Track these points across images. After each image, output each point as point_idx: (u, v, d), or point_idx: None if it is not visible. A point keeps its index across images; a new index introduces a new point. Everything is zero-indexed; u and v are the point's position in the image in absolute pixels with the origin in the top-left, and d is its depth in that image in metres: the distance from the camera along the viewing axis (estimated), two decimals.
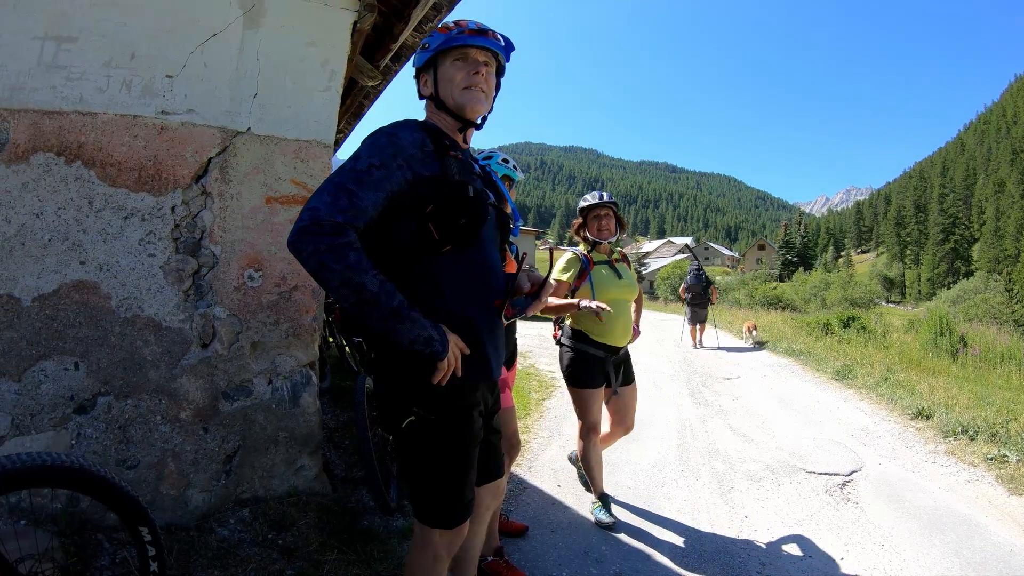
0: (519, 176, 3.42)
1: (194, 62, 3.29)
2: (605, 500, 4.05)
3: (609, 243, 3.98)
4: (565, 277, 3.84)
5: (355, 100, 6.57)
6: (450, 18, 4.47)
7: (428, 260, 1.81)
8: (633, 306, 4.12)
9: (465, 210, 1.81)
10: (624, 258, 4.15)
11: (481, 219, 1.87)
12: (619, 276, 3.97)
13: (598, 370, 3.91)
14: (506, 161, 3.33)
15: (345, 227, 1.59)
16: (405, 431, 1.82)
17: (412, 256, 1.79)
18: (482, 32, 1.95)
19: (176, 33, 3.27)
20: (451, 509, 1.90)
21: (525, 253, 2.66)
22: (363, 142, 1.78)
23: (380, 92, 6.30)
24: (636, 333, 4.18)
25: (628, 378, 4.14)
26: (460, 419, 1.88)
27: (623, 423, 4.18)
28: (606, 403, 4.06)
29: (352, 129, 7.84)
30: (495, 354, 1.97)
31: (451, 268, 1.85)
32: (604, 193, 4.02)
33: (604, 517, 3.93)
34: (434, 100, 1.99)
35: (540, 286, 2.10)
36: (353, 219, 1.61)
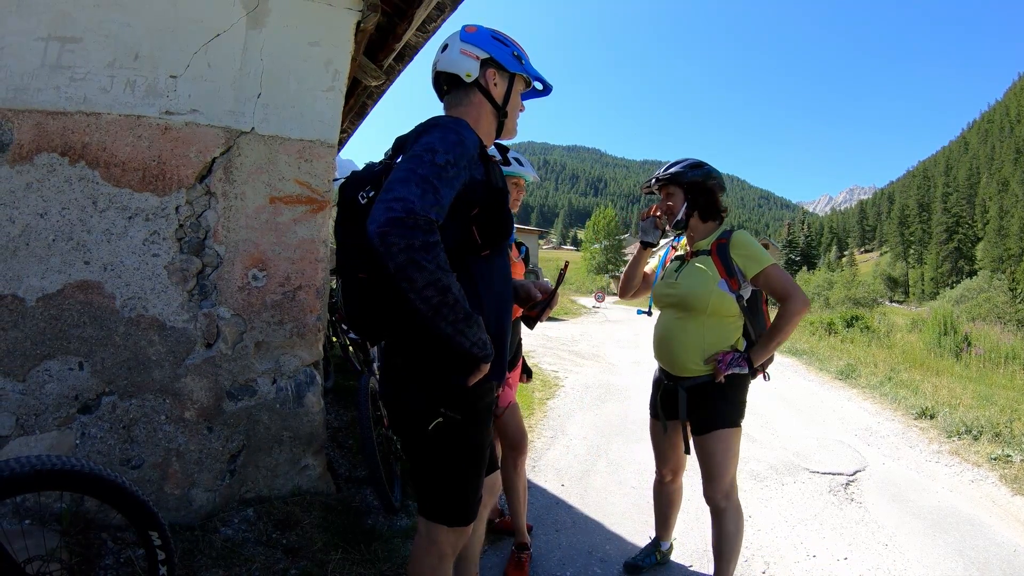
0: (532, 177, 3.33)
1: (198, 62, 3.29)
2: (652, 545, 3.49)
3: (674, 229, 3.04)
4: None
5: (359, 100, 6.57)
6: (454, 17, 4.47)
7: (467, 262, 1.80)
8: (699, 320, 2.82)
9: (505, 216, 1.84)
10: (717, 250, 2.83)
11: (512, 225, 1.92)
12: (672, 277, 2.97)
13: (653, 394, 3.17)
14: (518, 161, 3.23)
15: (435, 224, 1.53)
16: (431, 433, 1.80)
17: (453, 258, 1.72)
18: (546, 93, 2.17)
19: (179, 33, 3.27)
20: (468, 506, 1.92)
21: (567, 261, 2.69)
22: (431, 134, 1.70)
23: (384, 92, 6.29)
24: (717, 367, 2.74)
25: (698, 425, 2.86)
26: (482, 418, 1.90)
27: (703, 478, 2.93)
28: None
29: (356, 128, 7.84)
30: (506, 355, 1.99)
31: (484, 271, 1.85)
32: (673, 162, 3.04)
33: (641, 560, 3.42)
34: (498, 107, 1.98)
35: (551, 295, 2.18)
36: (439, 216, 1.55)
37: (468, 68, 1.92)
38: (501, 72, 1.96)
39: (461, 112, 1.94)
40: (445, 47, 1.97)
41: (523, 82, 2.05)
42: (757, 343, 2.79)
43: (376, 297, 1.76)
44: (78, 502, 2.86)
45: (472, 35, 1.94)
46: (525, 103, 2.15)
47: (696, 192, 2.91)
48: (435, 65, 2.01)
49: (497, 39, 1.96)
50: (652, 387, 3.18)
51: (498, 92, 1.97)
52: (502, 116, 2.00)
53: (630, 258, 3.21)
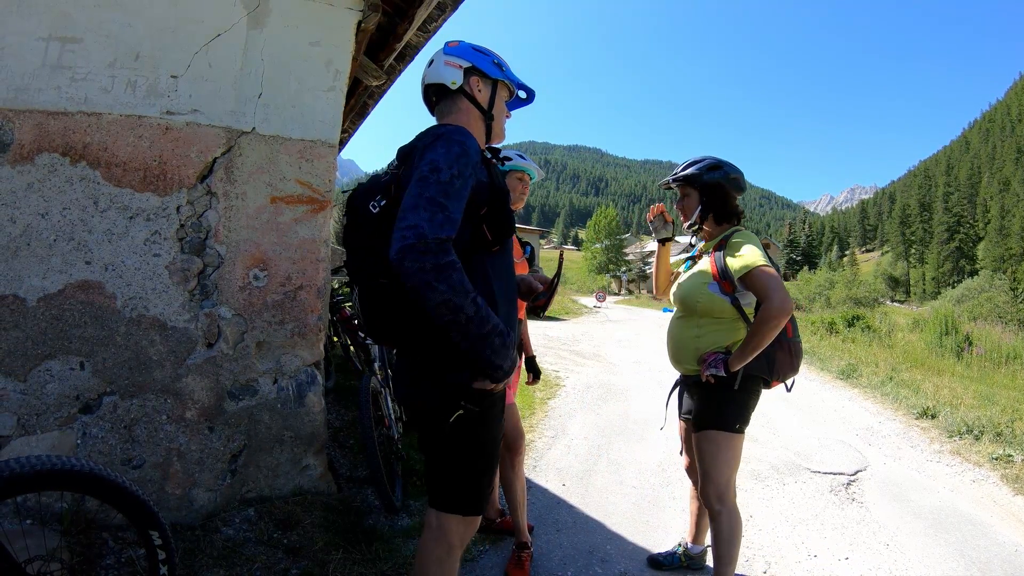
0: (538, 173, 3.44)
1: (198, 62, 3.29)
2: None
3: (689, 230, 3.05)
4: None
5: (359, 100, 6.57)
6: (455, 16, 4.47)
7: (478, 259, 1.90)
8: (695, 320, 2.86)
9: (508, 213, 1.97)
10: (716, 251, 2.83)
11: (514, 221, 2.09)
12: (681, 276, 3.03)
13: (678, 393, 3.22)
14: (521, 157, 3.34)
15: (446, 243, 1.64)
16: (450, 426, 1.90)
17: (468, 257, 1.86)
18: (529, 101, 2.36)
19: (180, 33, 3.27)
20: (481, 495, 2.03)
21: (563, 250, 2.75)
22: (435, 149, 1.80)
23: (384, 92, 6.29)
24: (703, 368, 2.75)
25: (694, 422, 2.90)
26: (496, 410, 2.02)
27: (700, 477, 2.92)
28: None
29: (357, 128, 7.84)
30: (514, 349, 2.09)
31: (495, 266, 1.96)
32: (692, 161, 3.00)
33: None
34: (484, 112, 2.12)
35: (551, 284, 2.34)
36: (449, 232, 1.67)
37: (453, 77, 2.06)
38: (484, 79, 2.11)
39: (452, 120, 2.06)
40: (431, 63, 2.12)
41: (506, 89, 2.19)
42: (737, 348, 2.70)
43: (396, 300, 1.83)
44: (79, 502, 2.86)
45: (454, 48, 2.11)
46: (512, 112, 2.31)
47: (711, 195, 2.90)
48: (423, 80, 2.15)
49: (478, 50, 2.12)
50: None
51: (483, 97, 2.11)
52: (489, 119, 2.14)
53: (631, 257, 3.25)
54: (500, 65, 2.14)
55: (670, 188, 3.08)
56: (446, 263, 1.62)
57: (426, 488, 2.08)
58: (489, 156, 2.13)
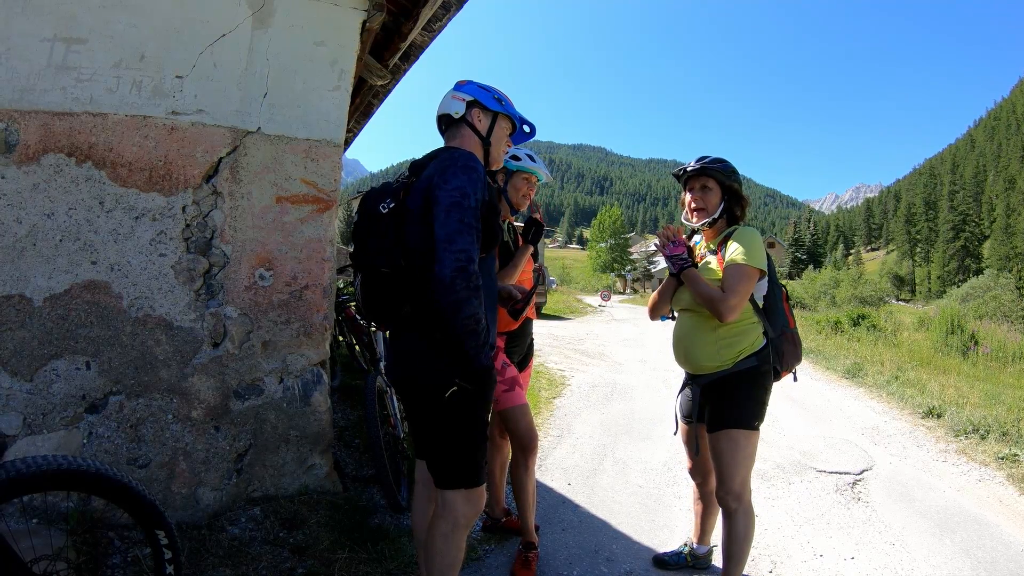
0: (545, 176, 3.40)
1: (203, 62, 3.30)
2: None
3: (702, 226, 2.96)
4: None
5: (364, 99, 6.57)
6: (459, 16, 4.47)
7: None
8: (711, 320, 2.77)
9: (498, 227, 2.31)
10: (720, 249, 2.84)
11: (500, 233, 2.41)
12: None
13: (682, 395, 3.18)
14: (531, 158, 3.32)
15: (476, 264, 2.01)
16: (446, 402, 2.12)
17: None
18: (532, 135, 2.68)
19: (185, 34, 3.28)
20: (479, 468, 2.25)
21: (540, 264, 2.90)
22: (459, 177, 2.10)
23: (389, 91, 6.29)
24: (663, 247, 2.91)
25: (710, 422, 2.85)
26: (487, 388, 2.24)
27: (715, 477, 2.93)
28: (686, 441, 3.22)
29: (361, 128, 7.83)
30: (494, 336, 2.36)
31: (483, 269, 2.23)
32: (712, 158, 2.93)
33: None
34: (483, 139, 2.42)
35: (528, 295, 2.85)
36: (477, 252, 2.05)
37: (456, 108, 2.40)
38: (484, 111, 2.43)
39: (456, 143, 2.39)
40: (444, 98, 2.46)
41: (507, 121, 2.50)
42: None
43: (395, 287, 2.14)
44: (85, 501, 2.87)
45: (462, 86, 2.46)
46: (517, 145, 2.76)
47: (733, 198, 2.91)
48: (437, 110, 2.47)
49: (481, 87, 2.45)
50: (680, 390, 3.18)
51: (482, 126, 2.43)
52: (487, 145, 2.44)
53: (636, 256, 3.20)
54: (500, 100, 2.45)
55: (692, 174, 2.94)
56: (477, 285, 2.00)
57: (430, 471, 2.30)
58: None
